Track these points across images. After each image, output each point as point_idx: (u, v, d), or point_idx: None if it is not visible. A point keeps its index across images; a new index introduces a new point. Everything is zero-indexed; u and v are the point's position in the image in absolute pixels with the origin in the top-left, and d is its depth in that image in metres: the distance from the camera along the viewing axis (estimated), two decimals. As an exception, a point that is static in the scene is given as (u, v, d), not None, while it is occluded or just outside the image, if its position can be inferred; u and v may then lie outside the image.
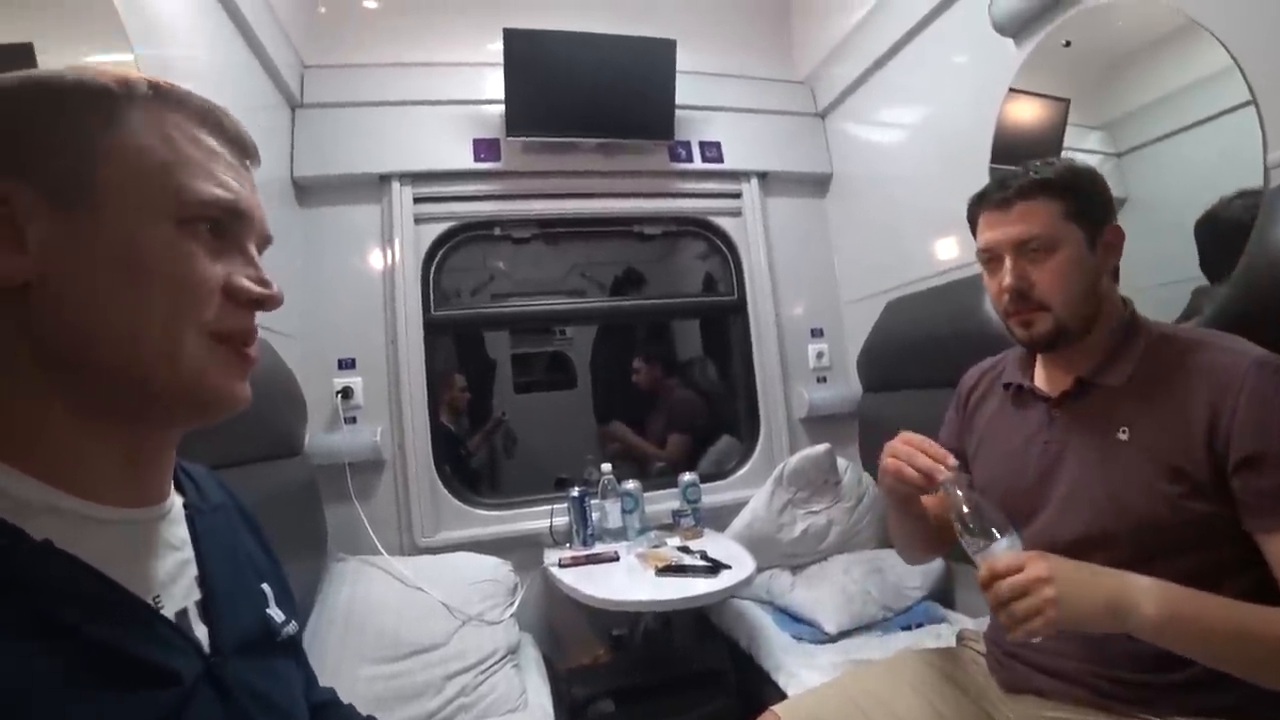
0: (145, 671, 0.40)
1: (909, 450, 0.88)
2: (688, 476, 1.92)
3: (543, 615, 1.88)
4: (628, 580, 1.52)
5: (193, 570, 0.49)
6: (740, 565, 1.49)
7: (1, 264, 0.40)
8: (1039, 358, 0.99)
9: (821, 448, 1.85)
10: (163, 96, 0.45)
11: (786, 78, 2.34)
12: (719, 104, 2.22)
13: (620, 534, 1.82)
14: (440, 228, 2.01)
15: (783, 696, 1.25)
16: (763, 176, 2.26)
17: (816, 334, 2.28)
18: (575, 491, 1.80)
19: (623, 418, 2.90)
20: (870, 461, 2.03)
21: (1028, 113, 1.61)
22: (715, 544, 1.71)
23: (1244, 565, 0.78)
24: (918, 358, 1.76)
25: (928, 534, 1.06)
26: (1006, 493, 0.96)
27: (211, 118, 0.47)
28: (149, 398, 0.43)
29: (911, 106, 1.96)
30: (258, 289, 0.47)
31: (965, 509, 0.80)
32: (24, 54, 0.88)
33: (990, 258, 0.93)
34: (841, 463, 1.92)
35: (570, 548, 1.77)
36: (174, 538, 0.49)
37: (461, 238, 2.08)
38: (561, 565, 1.61)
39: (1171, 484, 0.80)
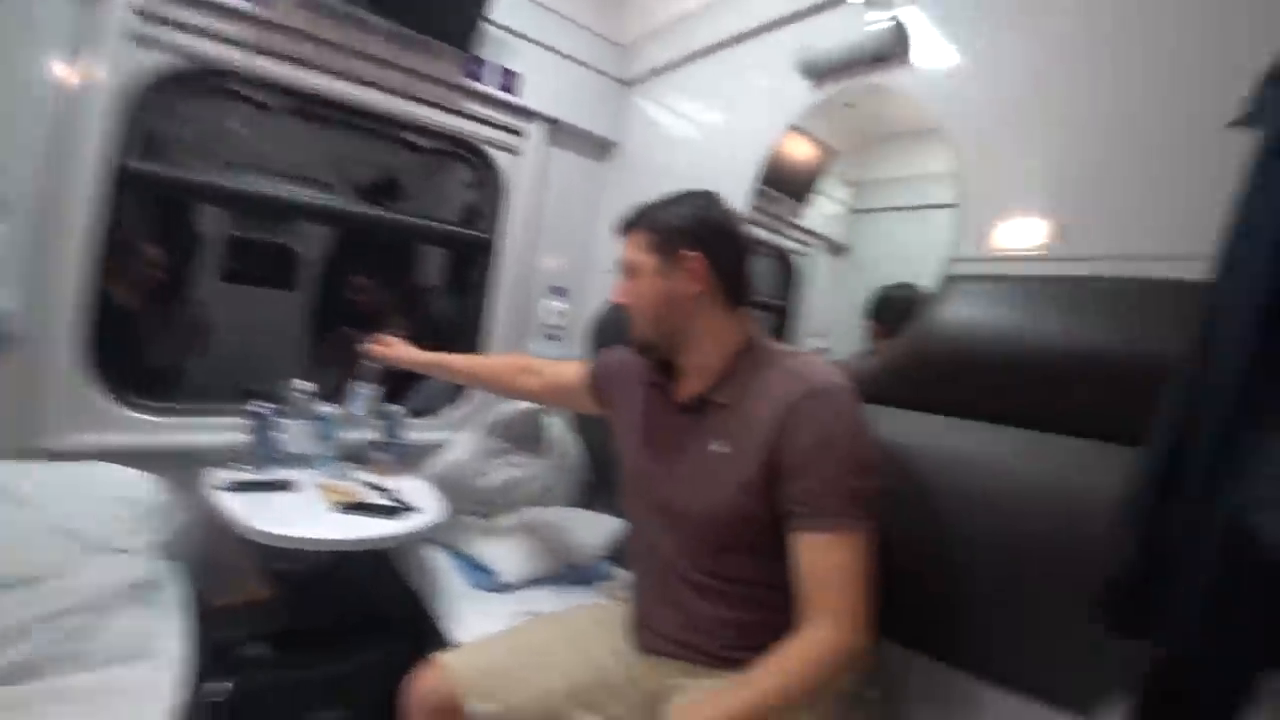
0: None
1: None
2: (394, 409, 1.82)
3: (202, 546, 1.60)
4: (300, 513, 1.38)
5: None
6: (429, 509, 1.46)
7: None
8: (674, 363, 1.11)
9: (529, 404, 1.89)
10: None
11: (609, 37, 2.28)
12: (532, 36, 2.08)
13: (306, 461, 1.65)
14: (167, 60, 1.55)
15: (455, 645, 1.27)
16: (553, 123, 2.19)
17: (560, 293, 2.31)
18: (263, 406, 1.60)
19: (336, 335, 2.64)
20: (583, 424, 2.13)
21: (800, 150, 1.80)
22: (410, 484, 1.65)
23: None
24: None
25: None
26: (639, 470, 1.14)
27: None
28: None
29: (706, 108, 2.06)
30: None
31: None
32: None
33: None
34: (548, 421, 1.98)
35: (248, 468, 1.57)
36: None
37: (198, 85, 1.66)
38: (226, 488, 1.41)
39: (743, 495, 0.97)
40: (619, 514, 1.87)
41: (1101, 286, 1.13)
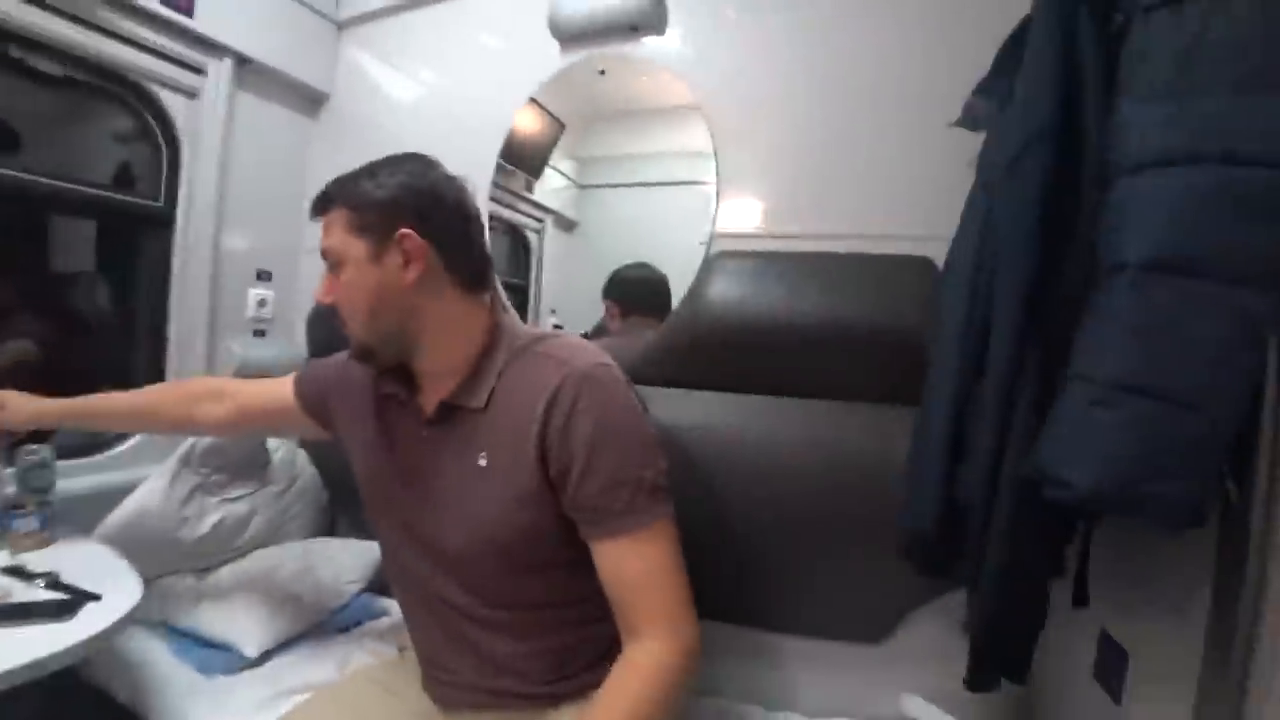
0: None
1: None
2: (35, 450, 1.25)
3: None
4: None
5: None
6: (116, 591, 1.02)
7: None
8: (412, 368, 0.95)
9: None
10: None
11: None
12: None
13: None
14: None
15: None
16: (242, 62, 1.72)
17: (264, 277, 1.87)
18: None
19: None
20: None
21: (532, 121, 1.67)
22: (75, 556, 1.16)
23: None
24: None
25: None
26: (385, 500, 0.96)
27: None
28: None
29: (438, 66, 1.82)
30: None
31: None
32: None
33: None
34: (272, 440, 1.61)
35: None
36: None
37: None
38: None
39: (522, 509, 0.84)
40: (368, 534, 1.61)
41: (851, 262, 1.25)
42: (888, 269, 1.21)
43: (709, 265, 1.31)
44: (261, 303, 1.85)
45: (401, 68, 1.88)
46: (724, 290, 1.27)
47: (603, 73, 1.56)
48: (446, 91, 1.80)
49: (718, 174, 1.42)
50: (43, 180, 1.48)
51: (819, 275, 1.23)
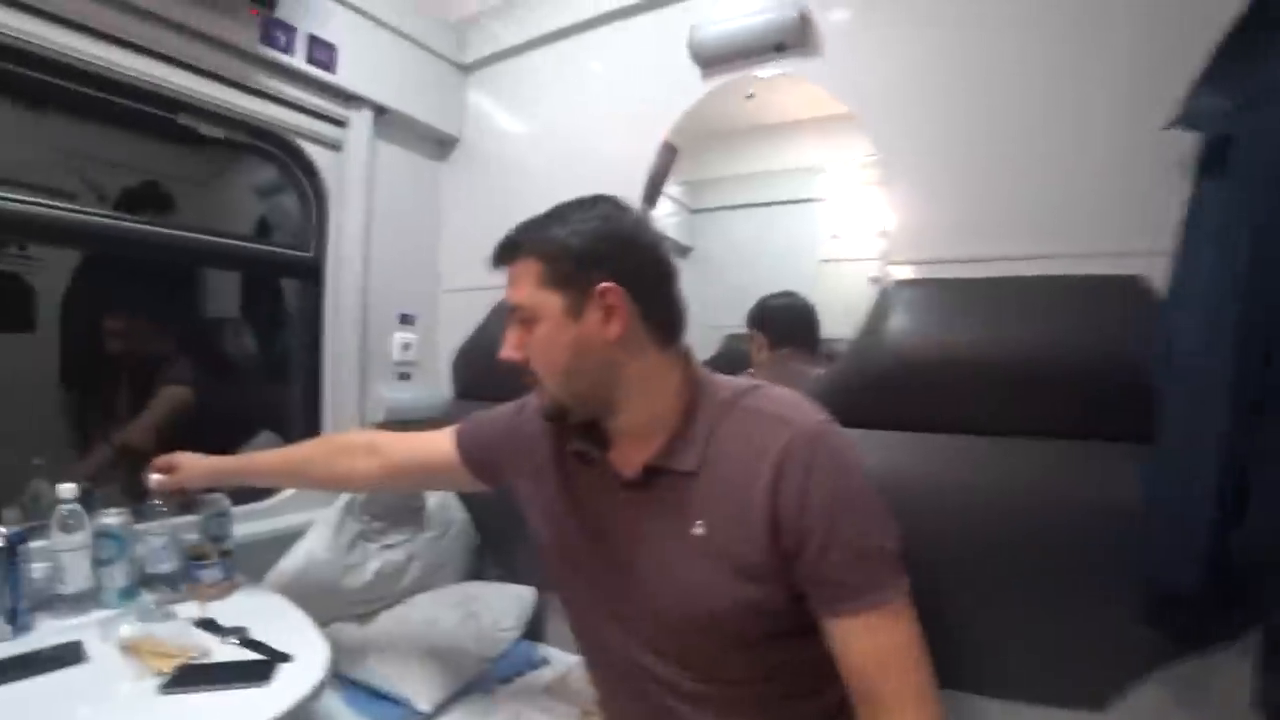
0: None
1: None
2: (215, 499, 1.28)
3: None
4: (98, 715, 0.85)
5: None
6: (304, 649, 1.00)
7: None
8: (604, 425, 0.86)
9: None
10: None
11: (433, 11, 1.86)
12: (345, -1, 1.62)
13: (88, 602, 1.10)
14: None
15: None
16: (380, 112, 1.75)
17: (407, 321, 1.89)
18: (0, 529, 1.01)
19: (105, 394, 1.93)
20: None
21: None
22: (254, 605, 1.18)
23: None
24: (521, 368, 1.59)
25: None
26: (573, 565, 0.90)
27: None
28: None
29: (572, 95, 1.77)
30: None
31: None
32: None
33: None
34: (428, 482, 1.60)
35: None
36: None
37: None
38: None
39: (748, 582, 0.75)
40: (519, 576, 1.57)
41: (1047, 285, 1.11)
42: (1090, 291, 1.06)
43: (887, 295, 1.21)
44: (406, 346, 1.87)
45: (528, 107, 1.87)
46: (907, 322, 1.16)
47: (751, 96, 1.48)
48: (578, 127, 1.76)
49: (884, 194, 1.31)
50: (206, 237, 1.54)
51: (1012, 301, 1.11)
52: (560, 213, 0.81)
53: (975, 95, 1.22)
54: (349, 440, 1.20)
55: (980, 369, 1.09)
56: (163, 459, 1.19)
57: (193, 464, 1.19)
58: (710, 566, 0.76)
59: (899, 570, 0.74)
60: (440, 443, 1.07)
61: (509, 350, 0.83)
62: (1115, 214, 1.10)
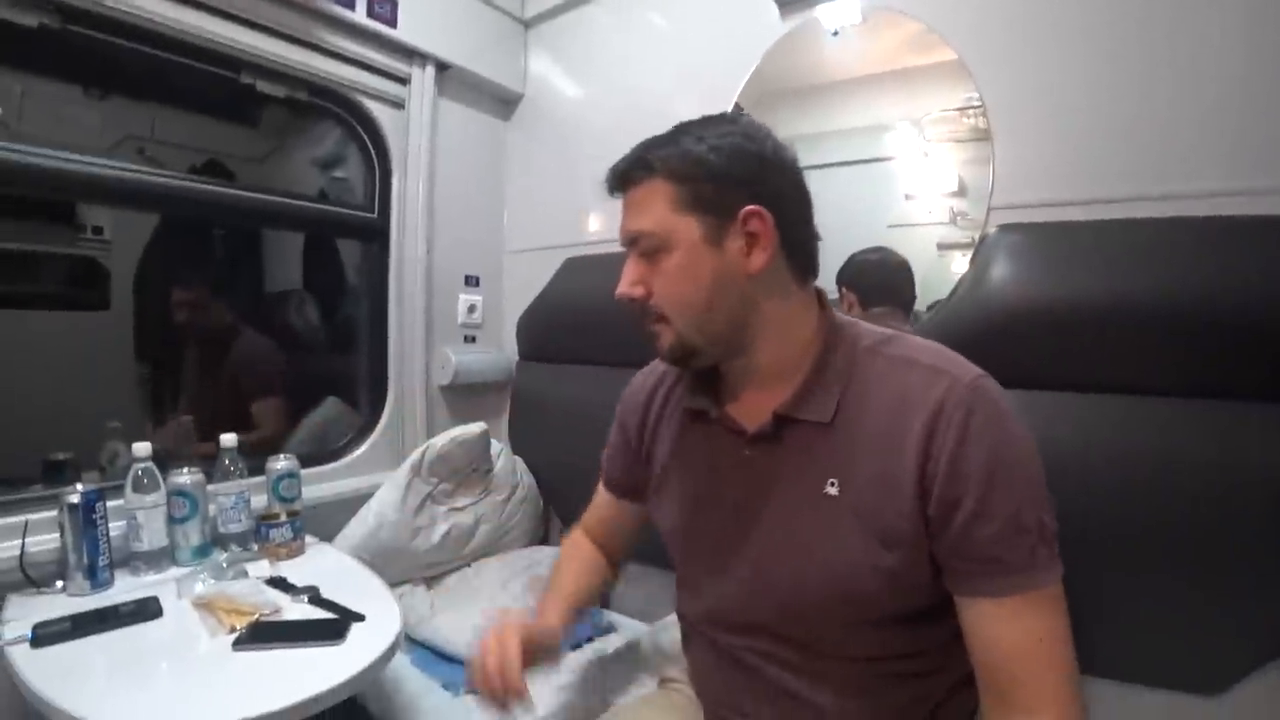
0: None
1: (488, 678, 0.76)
2: (282, 462, 1.28)
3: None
4: (175, 669, 0.84)
5: None
6: (376, 610, 0.97)
7: None
8: (722, 374, 0.78)
9: (476, 427, 1.45)
10: None
11: None
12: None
13: (164, 559, 1.11)
14: None
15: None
16: (443, 68, 1.70)
17: (471, 282, 1.85)
18: (78, 488, 1.01)
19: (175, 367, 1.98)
20: (522, 443, 1.73)
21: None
22: (324, 565, 1.17)
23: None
24: (592, 329, 1.52)
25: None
26: (693, 533, 0.82)
27: None
28: None
29: (637, 48, 1.67)
30: None
31: None
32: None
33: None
34: (494, 445, 1.56)
35: (64, 591, 1.00)
36: None
37: None
38: (34, 642, 0.84)
39: (888, 551, 0.65)
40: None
41: (1182, 228, 0.97)
42: (1236, 234, 0.92)
43: (991, 243, 1.09)
44: (471, 308, 1.83)
45: (594, 60, 1.78)
46: (1018, 270, 1.04)
47: (836, 33, 1.35)
48: (644, 84, 1.66)
49: (992, 136, 1.17)
50: (270, 198, 1.52)
51: (1143, 246, 0.97)
52: (689, 128, 0.72)
53: (1092, 20, 1.08)
54: (583, 548, 1.03)
55: (1105, 320, 0.96)
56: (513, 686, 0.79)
57: (542, 632, 0.86)
58: (845, 532, 0.67)
59: (1055, 552, 0.64)
60: (603, 501, 1.01)
61: (627, 287, 0.73)
62: (1257, 149, 0.95)
